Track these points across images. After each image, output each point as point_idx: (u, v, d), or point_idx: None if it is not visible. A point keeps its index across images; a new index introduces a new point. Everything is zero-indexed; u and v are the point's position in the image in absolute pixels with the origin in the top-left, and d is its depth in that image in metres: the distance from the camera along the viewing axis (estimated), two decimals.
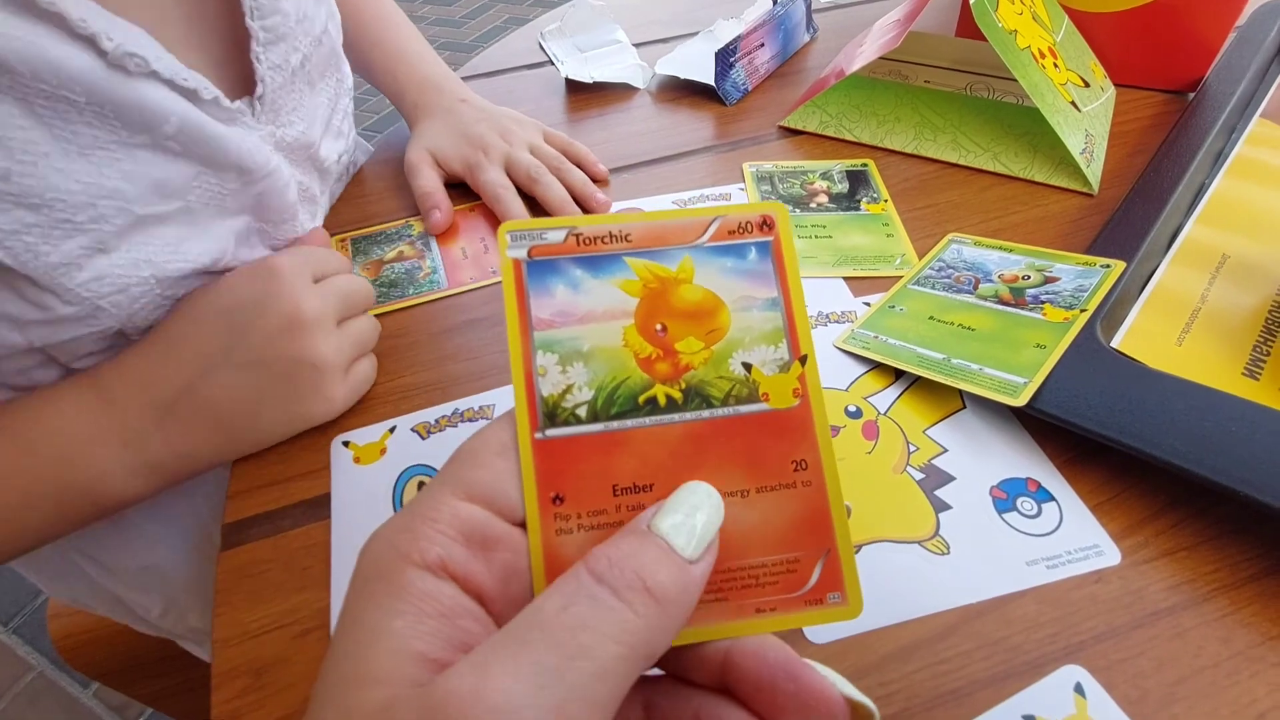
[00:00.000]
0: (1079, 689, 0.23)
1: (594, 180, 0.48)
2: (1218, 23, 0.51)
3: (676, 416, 0.19)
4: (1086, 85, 0.50)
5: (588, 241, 0.20)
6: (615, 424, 0.19)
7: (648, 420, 0.19)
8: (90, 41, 0.25)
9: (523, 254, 0.20)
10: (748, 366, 0.20)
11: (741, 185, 0.48)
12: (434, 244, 0.44)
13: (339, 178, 0.49)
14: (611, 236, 0.20)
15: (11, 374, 0.31)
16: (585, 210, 0.46)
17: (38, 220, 0.26)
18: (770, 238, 0.20)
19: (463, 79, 0.64)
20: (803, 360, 0.20)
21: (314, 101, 0.39)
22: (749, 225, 0.20)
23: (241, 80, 0.34)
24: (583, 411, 0.19)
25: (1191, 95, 0.53)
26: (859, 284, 0.40)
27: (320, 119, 0.40)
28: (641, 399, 0.19)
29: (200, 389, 0.31)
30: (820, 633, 0.25)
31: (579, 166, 0.48)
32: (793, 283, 0.20)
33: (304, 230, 0.38)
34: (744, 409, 0.19)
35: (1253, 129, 0.49)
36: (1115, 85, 0.55)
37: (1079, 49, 0.52)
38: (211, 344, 0.31)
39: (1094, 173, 0.45)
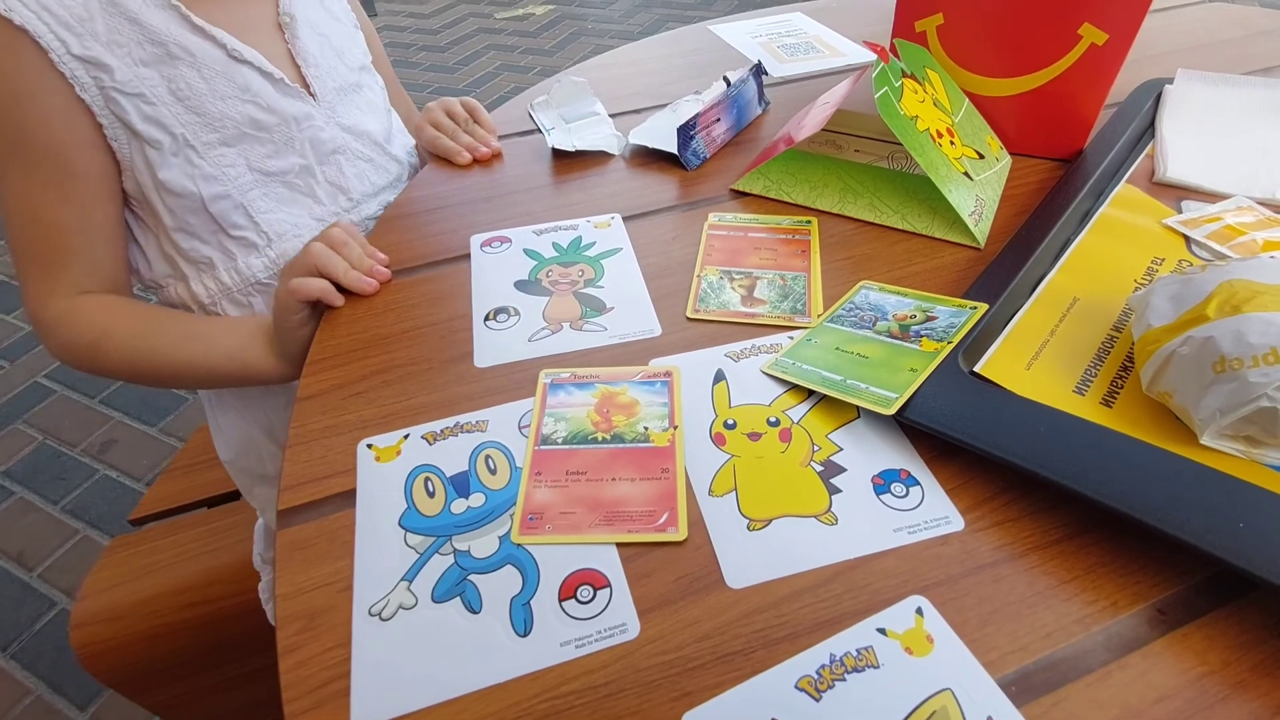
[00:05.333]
0: (919, 611, 0.32)
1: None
2: (1090, 103, 0.61)
3: (604, 445, 0.41)
4: (981, 157, 0.60)
5: (580, 377, 0.46)
6: (573, 446, 0.41)
7: (589, 445, 0.41)
8: (216, 41, 0.55)
9: (548, 381, 0.46)
10: (646, 429, 0.42)
11: None
12: None
13: (411, 168, 0.73)
14: (591, 376, 0.46)
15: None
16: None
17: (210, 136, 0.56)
18: (668, 380, 0.45)
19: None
20: (674, 428, 0.42)
21: (369, 114, 0.67)
22: (659, 373, 0.46)
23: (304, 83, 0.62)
24: (559, 439, 0.42)
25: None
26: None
27: (375, 122, 0.68)
28: (588, 436, 0.42)
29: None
30: (737, 580, 0.34)
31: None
32: (676, 397, 0.44)
33: (351, 178, 0.65)
34: (640, 445, 0.41)
35: (1119, 192, 0.59)
36: (1012, 154, 0.65)
37: (977, 126, 0.62)
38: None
39: (982, 230, 0.55)
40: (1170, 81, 0.72)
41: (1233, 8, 0.96)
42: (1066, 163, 0.65)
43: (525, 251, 0.56)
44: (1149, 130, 0.67)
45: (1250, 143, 0.63)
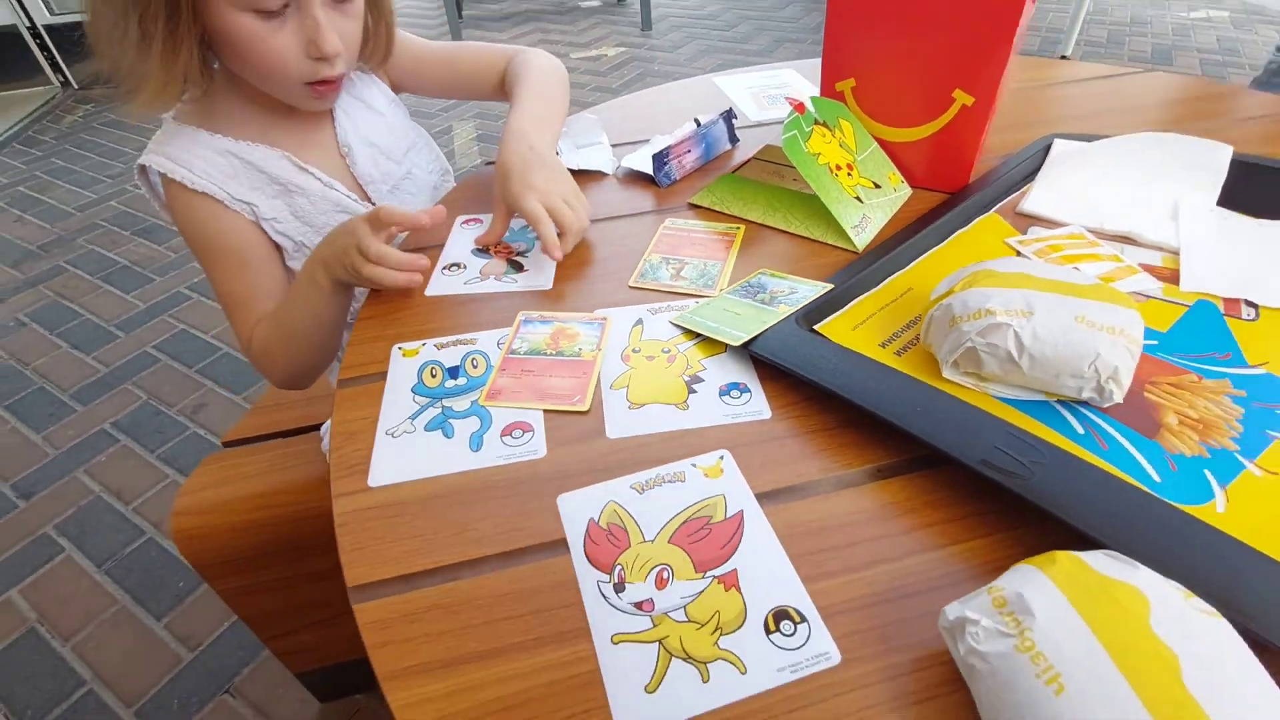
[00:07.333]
0: (721, 457, 0.50)
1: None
2: (968, 149, 0.78)
3: (550, 357, 0.61)
4: (878, 186, 0.78)
5: (545, 316, 0.66)
6: (530, 356, 0.61)
7: (540, 356, 0.61)
8: (314, 175, 0.81)
9: (523, 318, 0.66)
10: (580, 349, 0.61)
11: None
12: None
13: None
14: (553, 316, 0.66)
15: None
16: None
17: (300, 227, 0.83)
18: (603, 322, 0.65)
19: (485, 164, 0.96)
20: (599, 350, 0.60)
21: (417, 196, 0.92)
22: (598, 318, 0.65)
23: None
24: (522, 352, 0.62)
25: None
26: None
27: (421, 199, 0.93)
28: (541, 351, 0.62)
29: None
30: (615, 433, 0.53)
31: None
32: (605, 332, 0.63)
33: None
34: (574, 358, 0.60)
35: (984, 218, 0.76)
36: (915, 187, 0.83)
37: (880, 163, 0.80)
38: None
39: (862, 239, 0.73)
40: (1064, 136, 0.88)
41: (1168, 77, 1.10)
42: (955, 195, 0.82)
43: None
44: (1030, 176, 0.84)
45: (1104, 184, 0.79)
